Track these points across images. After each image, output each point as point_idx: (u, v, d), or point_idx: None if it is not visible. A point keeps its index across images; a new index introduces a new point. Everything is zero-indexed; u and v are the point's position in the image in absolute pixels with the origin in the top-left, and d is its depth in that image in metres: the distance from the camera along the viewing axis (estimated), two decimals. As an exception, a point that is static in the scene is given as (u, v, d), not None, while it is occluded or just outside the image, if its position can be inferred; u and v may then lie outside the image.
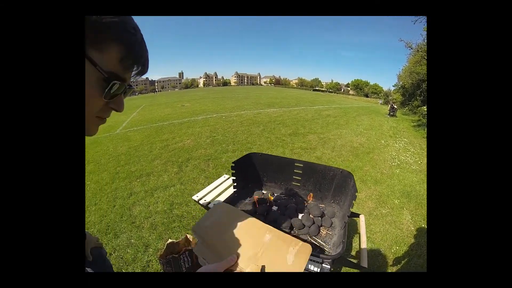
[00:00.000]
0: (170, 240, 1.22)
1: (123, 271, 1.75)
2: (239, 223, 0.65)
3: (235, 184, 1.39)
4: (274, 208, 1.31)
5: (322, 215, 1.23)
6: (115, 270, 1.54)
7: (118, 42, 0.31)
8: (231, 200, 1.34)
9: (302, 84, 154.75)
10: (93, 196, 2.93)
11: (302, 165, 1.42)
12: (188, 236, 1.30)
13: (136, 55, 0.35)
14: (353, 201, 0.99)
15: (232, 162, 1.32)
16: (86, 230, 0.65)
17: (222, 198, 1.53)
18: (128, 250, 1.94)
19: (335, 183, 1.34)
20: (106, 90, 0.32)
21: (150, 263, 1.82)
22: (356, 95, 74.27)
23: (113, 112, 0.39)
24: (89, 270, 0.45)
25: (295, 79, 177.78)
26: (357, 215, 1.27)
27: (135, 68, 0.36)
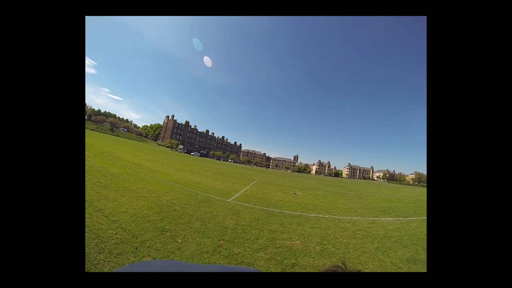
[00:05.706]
0: None
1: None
2: None
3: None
4: None
5: None
6: None
7: None
8: None
9: (420, 179, 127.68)
10: (190, 258, 3.14)
11: None
12: None
13: None
14: None
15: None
16: None
17: None
18: None
19: None
20: None
21: None
22: None
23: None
24: None
25: (412, 174, 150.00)
26: None
27: None
